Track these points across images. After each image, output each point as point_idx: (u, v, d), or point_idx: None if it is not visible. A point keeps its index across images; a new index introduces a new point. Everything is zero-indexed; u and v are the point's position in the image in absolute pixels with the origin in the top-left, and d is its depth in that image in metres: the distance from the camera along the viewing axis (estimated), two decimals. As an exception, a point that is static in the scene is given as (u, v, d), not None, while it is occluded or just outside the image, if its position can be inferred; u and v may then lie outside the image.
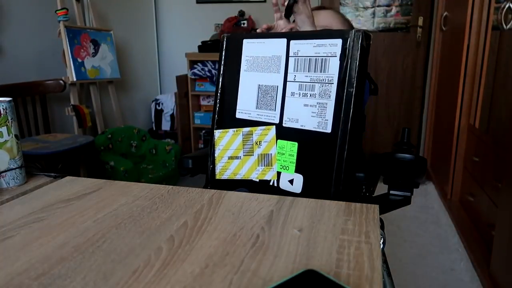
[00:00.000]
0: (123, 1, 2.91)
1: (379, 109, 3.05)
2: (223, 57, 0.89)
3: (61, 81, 2.07)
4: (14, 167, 0.71)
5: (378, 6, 2.90)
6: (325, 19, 1.09)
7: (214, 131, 0.89)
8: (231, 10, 3.06)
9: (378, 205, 0.60)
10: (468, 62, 2.11)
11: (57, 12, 2.12)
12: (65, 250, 0.48)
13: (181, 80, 2.99)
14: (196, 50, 3.02)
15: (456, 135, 2.22)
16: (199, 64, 2.95)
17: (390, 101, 3.04)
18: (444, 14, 2.58)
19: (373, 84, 1.10)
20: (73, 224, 0.55)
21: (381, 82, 2.97)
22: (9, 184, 0.71)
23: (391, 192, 0.96)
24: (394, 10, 2.89)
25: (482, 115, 1.95)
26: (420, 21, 2.84)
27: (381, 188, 1.01)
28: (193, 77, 2.96)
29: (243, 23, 2.95)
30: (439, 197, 2.43)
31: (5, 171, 0.71)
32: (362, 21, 2.95)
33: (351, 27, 1.19)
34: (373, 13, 2.92)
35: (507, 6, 1.57)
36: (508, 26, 1.59)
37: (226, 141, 0.88)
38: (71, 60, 2.17)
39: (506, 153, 1.43)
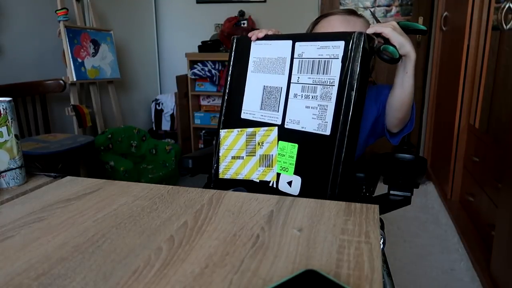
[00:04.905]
0: (123, 1, 2.91)
1: (379, 109, 3.05)
2: (232, 58, 0.91)
3: (61, 81, 2.07)
4: (14, 167, 0.71)
5: (378, 6, 2.90)
6: (356, 27, 0.97)
7: (220, 130, 0.90)
8: (231, 10, 3.06)
9: (378, 205, 0.60)
10: (468, 62, 2.10)
11: (57, 12, 2.12)
12: (65, 250, 0.48)
13: (181, 80, 2.99)
14: (196, 50, 3.02)
15: (456, 135, 2.22)
16: (199, 64, 2.95)
17: (390, 101, 3.03)
18: (444, 14, 2.58)
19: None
20: (73, 224, 0.55)
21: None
22: (9, 184, 0.71)
23: (391, 192, 0.96)
24: (394, 10, 2.89)
25: (482, 115, 1.95)
26: (420, 21, 2.84)
27: (381, 188, 1.01)
28: (193, 77, 2.96)
29: (243, 23, 2.95)
30: (439, 197, 2.43)
31: (5, 171, 0.71)
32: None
33: None
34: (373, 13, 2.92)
35: (507, 6, 1.57)
36: (508, 26, 1.59)
37: (230, 141, 0.89)
38: (71, 60, 2.17)
39: (506, 153, 1.43)
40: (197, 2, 3.21)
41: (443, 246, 1.88)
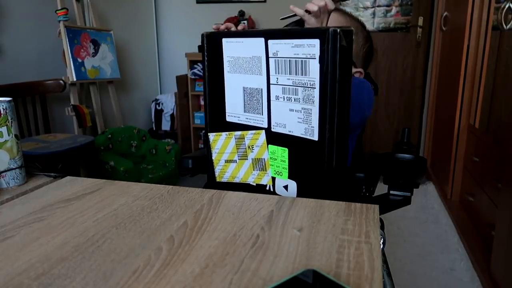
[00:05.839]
0: (123, 1, 2.91)
1: (379, 109, 3.05)
2: (206, 57, 0.85)
3: (61, 81, 2.07)
4: (14, 167, 0.71)
5: (378, 6, 2.90)
6: (334, 22, 1.02)
7: (209, 134, 0.87)
8: (231, 10, 3.06)
9: (378, 205, 0.60)
10: (468, 62, 2.11)
11: (57, 12, 2.12)
12: (65, 250, 0.48)
13: (181, 80, 2.99)
14: (196, 50, 3.02)
15: (456, 135, 2.22)
16: (199, 64, 2.95)
17: (390, 101, 3.04)
18: (444, 14, 2.58)
19: (373, 84, 1.10)
20: (73, 224, 0.55)
21: (381, 82, 2.97)
22: (9, 184, 0.71)
23: (391, 192, 0.96)
24: (394, 10, 2.89)
25: (482, 115, 1.95)
26: (420, 21, 2.84)
27: (381, 188, 1.01)
28: (193, 77, 2.96)
29: (243, 23, 2.95)
30: (439, 197, 2.43)
31: (5, 171, 0.71)
32: (362, 21, 2.95)
33: (363, 26, 1.16)
34: (373, 13, 2.92)
35: (507, 6, 1.57)
36: (508, 26, 1.59)
37: (220, 144, 0.86)
38: (71, 60, 2.17)
39: (506, 153, 1.43)
40: (197, 2, 3.21)
41: (443, 246, 1.88)
